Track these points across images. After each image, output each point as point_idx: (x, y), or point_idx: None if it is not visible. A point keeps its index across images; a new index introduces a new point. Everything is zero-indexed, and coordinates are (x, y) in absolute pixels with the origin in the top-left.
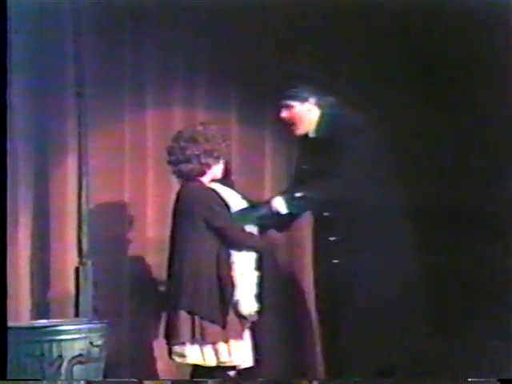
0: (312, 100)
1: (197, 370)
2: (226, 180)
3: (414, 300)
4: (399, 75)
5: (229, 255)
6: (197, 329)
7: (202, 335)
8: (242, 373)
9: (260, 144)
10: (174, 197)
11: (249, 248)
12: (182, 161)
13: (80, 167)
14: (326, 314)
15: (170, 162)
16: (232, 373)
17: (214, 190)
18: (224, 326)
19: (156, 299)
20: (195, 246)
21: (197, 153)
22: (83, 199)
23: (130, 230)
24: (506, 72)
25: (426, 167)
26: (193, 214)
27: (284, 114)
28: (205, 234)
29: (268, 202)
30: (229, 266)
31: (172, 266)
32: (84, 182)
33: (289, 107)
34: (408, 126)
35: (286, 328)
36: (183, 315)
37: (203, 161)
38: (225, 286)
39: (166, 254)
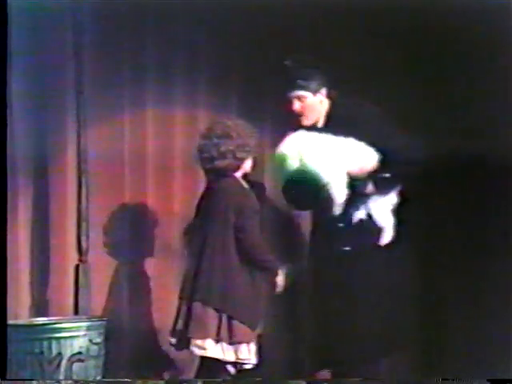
0: (324, 91)
1: (203, 365)
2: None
3: (408, 301)
4: (403, 71)
5: None
6: (223, 327)
7: (230, 334)
8: (244, 372)
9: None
10: (173, 194)
11: (261, 264)
12: (216, 157)
13: (79, 165)
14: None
15: (202, 160)
16: (233, 370)
17: (251, 191)
18: (254, 329)
19: (157, 296)
20: (226, 244)
21: (231, 148)
22: (83, 197)
23: (130, 228)
24: (505, 72)
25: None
26: (226, 210)
27: (296, 105)
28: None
29: None
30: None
31: (201, 261)
32: (83, 180)
33: (301, 98)
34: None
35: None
36: (211, 312)
37: (238, 155)
38: (260, 292)
39: (165, 251)
